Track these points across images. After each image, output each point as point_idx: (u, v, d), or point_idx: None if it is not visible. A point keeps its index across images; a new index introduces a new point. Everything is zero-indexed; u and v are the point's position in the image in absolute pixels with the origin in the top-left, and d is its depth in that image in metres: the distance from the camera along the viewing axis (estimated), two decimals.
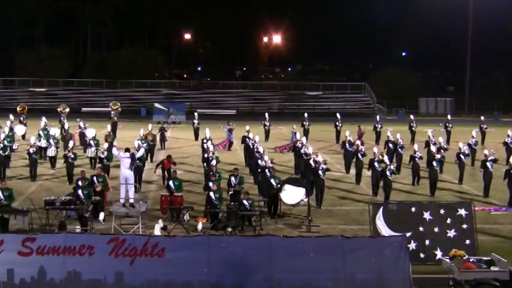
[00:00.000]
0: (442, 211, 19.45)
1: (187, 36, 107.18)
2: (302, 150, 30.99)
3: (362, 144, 32.33)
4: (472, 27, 79.53)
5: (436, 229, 19.23)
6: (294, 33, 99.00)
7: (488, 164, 28.11)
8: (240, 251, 16.15)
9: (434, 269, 18.01)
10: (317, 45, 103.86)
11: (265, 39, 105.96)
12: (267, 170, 25.60)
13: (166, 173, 28.49)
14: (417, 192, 29.04)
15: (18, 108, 47.26)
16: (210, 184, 23.05)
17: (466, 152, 31.27)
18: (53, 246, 15.84)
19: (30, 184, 29.40)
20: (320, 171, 25.65)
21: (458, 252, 17.00)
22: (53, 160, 33.12)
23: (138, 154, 26.40)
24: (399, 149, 33.30)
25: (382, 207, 19.73)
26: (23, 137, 41.73)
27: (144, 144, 31.66)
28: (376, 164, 27.34)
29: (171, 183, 23.96)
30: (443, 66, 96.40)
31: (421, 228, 19.19)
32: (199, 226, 21.89)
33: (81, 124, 38.96)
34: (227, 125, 42.56)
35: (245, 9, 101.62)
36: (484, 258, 17.01)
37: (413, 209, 19.54)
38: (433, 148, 31.09)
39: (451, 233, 19.22)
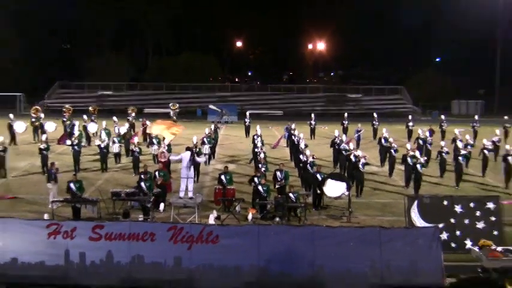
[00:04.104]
0: (472, 204, 19.26)
1: (239, 43, 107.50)
2: (342, 146, 31.01)
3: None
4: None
5: (466, 221, 19.06)
6: (337, 41, 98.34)
7: (509, 158, 28.21)
8: (287, 239, 16.29)
9: (465, 257, 17.80)
10: (357, 52, 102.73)
11: (310, 46, 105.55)
12: (308, 165, 25.75)
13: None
14: (443, 183, 29.07)
15: (90, 108, 48.89)
16: (256, 179, 23.22)
17: (490, 147, 31.88)
18: (119, 233, 16.23)
19: (100, 176, 30.02)
20: (360, 165, 25.81)
21: (486, 242, 16.96)
22: (117, 156, 33.56)
23: (199, 160, 26.84)
24: (428, 145, 33.74)
25: (416, 201, 19.61)
26: (95, 134, 42.61)
27: (208, 141, 33.36)
28: (408, 158, 27.23)
29: (223, 177, 24.13)
30: (474, 70, 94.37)
31: (452, 220, 19.04)
32: (250, 216, 22.03)
33: (148, 122, 39.57)
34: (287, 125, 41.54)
35: (292, 20, 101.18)
36: (510, 247, 16.81)
37: (445, 202, 19.37)
38: (459, 144, 30.99)
39: (480, 225, 19.02)
